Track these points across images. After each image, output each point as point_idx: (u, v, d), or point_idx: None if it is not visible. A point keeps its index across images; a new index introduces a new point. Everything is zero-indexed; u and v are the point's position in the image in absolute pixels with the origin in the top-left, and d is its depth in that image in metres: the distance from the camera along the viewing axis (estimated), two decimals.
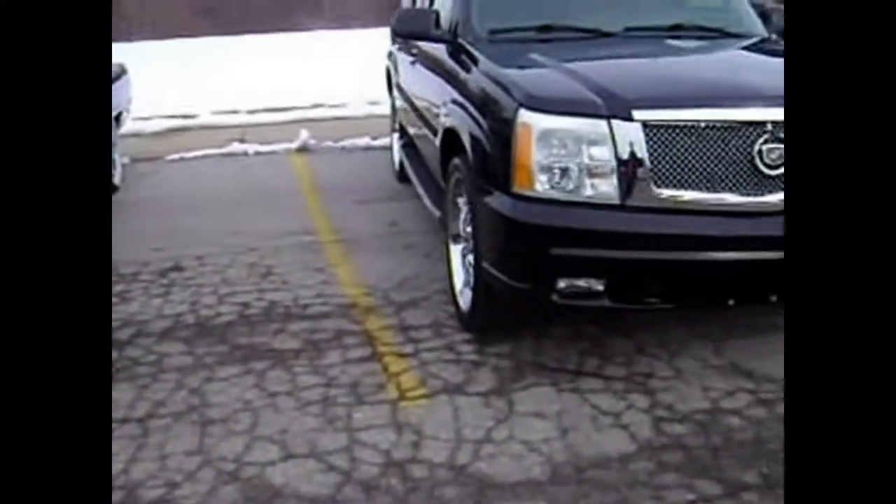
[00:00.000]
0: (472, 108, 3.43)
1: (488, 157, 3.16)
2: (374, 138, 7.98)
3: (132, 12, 45.75)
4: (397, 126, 6.34)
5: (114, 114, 6.68)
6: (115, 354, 3.55)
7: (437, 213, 4.19)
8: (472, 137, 3.32)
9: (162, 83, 12.30)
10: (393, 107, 6.59)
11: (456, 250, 3.78)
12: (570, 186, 2.89)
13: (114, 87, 6.84)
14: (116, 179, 6.56)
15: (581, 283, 2.91)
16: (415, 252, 4.77)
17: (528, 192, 2.93)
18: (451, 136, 3.67)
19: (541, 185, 2.91)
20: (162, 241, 5.19)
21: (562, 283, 2.91)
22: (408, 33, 4.23)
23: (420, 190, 4.82)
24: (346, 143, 8.08)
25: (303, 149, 8.00)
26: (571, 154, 2.86)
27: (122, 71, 7.42)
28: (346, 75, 12.23)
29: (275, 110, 10.10)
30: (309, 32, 26.10)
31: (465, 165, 3.44)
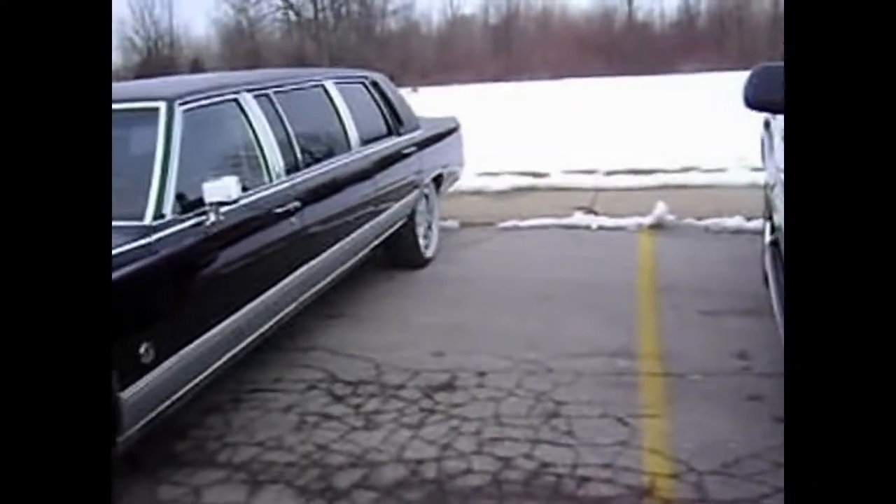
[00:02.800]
0: None
1: None
2: (749, 219, 6.77)
3: (523, 51, 48.01)
4: (768, 213, 5.14)
5: (434, 173, 6.31)
6: None
7: None
8: None
9: (526, 131, 12.10)
10: (766, 187, 5.41)
11: None
12: None
13: (440, 144, 6.49)
14: (430, 251, 6.18)
15: None
16: (762, 410, 3.60)
17: None
18: None
19: None
20: (447, 340, 4.60)
21: None
22: (766, 104, 3.12)
23: (777, 311, 3.62)
24: (712, 221, 6.97)
25: (657, 226, 7.05)
26: None
27: (455, 127, 7.08)
28: (732, 128, 10.96)
29: (636, 172, 9.28)
30: (711, 74, 24.93)
31: None
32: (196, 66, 54.25)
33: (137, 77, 52.57)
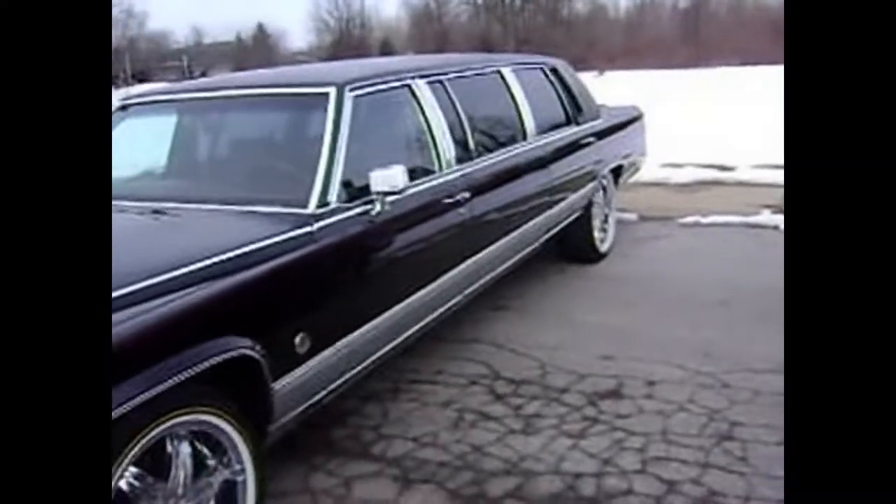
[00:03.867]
0: None
1: None
2: None
3: (714, 36, 46.23)
4: None
5: (613, 164, 6.04)
6: None
7: None
8: None
9: (714, 120, 11.55)
10: None
11: None
12: None
13: (621, 133, 6.21)
14: (606, 245, 5.93)
15: None
16: None
17: None
18: None
19: None
20: (616, 344, 4.36)
21: None
22: None
23: None
24: None
25: None
26: None
27: (637, 116, 6.77)
28: None
29: None
30: None
31: None
32: (385, 47, 55.52)
33: (330, 57, 54.37)
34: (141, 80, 47.99)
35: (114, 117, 4.12)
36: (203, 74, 50.39)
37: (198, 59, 61.91)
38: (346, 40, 57.83)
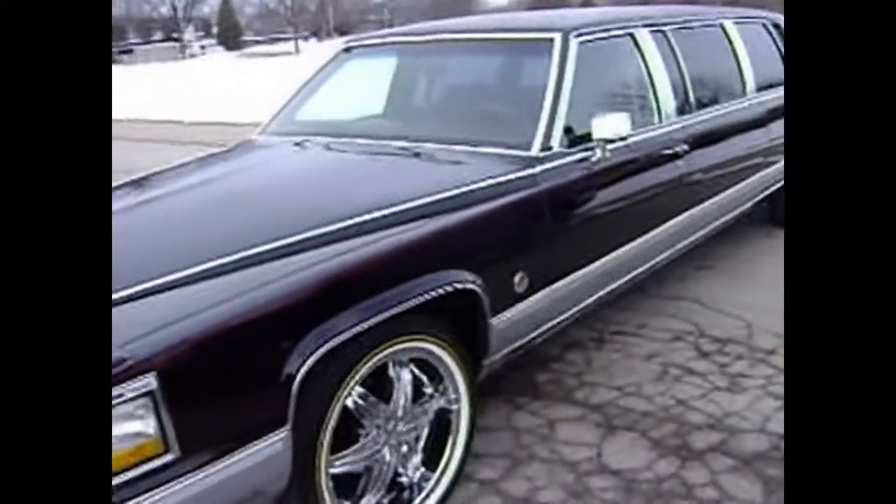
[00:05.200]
0: None
1: None
2: None
3: None
4: None
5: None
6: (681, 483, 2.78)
7: None
8: None
9: None
10: None
11: None
12: None
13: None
14: None
15: None
16: None
17: None
18: None
19: None
20: None
21: None
22: None
23: None
24: None
25: None
26: None
27: None
28: None
29: None
30: None
31: None
32: (587, 4, 54.51)
33: (531, 9, 53.90)
34: (342, 33, 49.40)
35: (338, 58, 4.28)
36: None
37: (397, 13, 63.03)
38: None
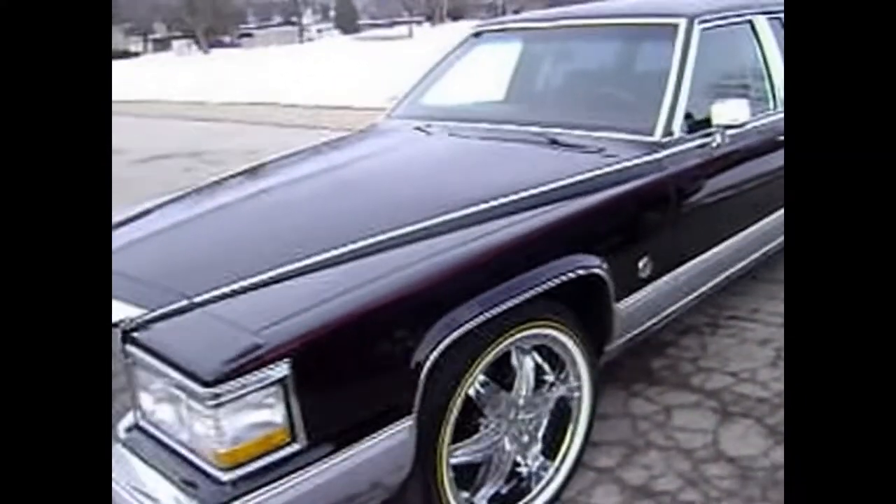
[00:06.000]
0: None
1: None
2: None
3: None
4: None
5: None
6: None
7: None
8: None
9: None
10: None
11: None
12: None
13: None
14: None
15: None
16: None
17: None
18: None
19: None
20: None
21: None
22: None
23: None
24: None
25: None
26: None
27: None
28: None
29: None
30: None
31: None
32: None
33: None
34: (455, 18, 49.37)
35: (467, 43, 4.31)
36: (516, 12, 51.03)
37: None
38: None
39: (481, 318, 2.26)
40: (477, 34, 4.35)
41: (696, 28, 3.40)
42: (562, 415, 2.73)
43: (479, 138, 3.41)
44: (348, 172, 3.20)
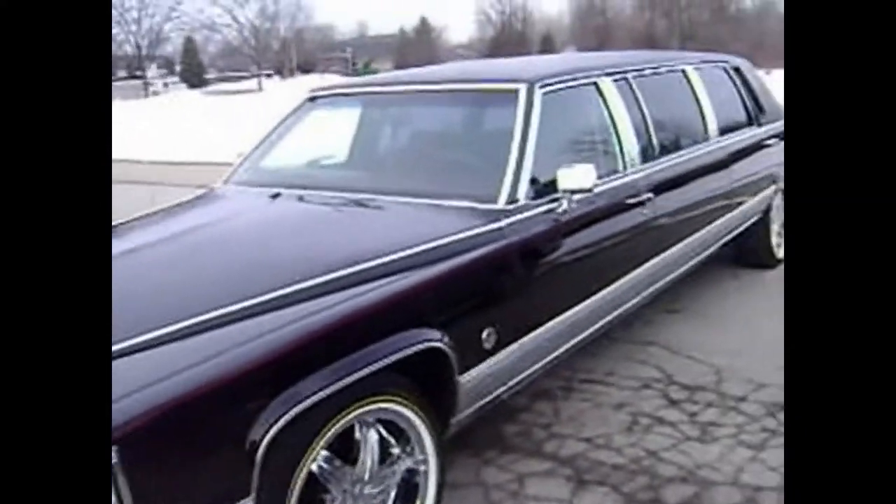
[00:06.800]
0: None
1: None
2: None
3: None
4: None
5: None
6: None
7: None
8: None
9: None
10: None
11: None
12: None
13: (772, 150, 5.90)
14: (783, 251, 5.68)
15: None
16: None
17: None
18: None
19: None
20: None
21: None
22: None
23: None
24: None
25: None
26: None
27: None
28: None
29: None
30: None
31: None
32: (547, 42, 55.23)
33: (491, 51, 54.50)
34: (305, 71, 49.54)
35: (302, 107, 4.24)
36: (366, 65, 51.58)
37: (360, 51, 63.39)
38: (507, 34, 57.92)
39: (319, 396, 2.21)
40: (312, 98, 4.29)
41: (538, 93, 3.44)
42: (409, 488, 2.67)
43: (318, 207, 3.34)
44: (179, 245, 3.09)
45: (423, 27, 68.26)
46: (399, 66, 50.53)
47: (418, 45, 61.19)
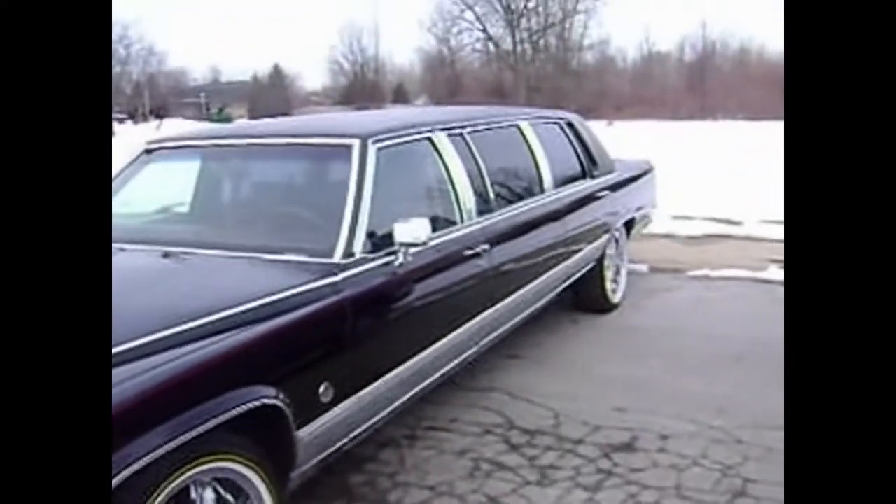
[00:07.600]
0: None
1: None
2: None
3: (719, 90, 46.50)
4: None
5: (626, 217, 6.07)
6: None
7: None
8: None
9: (721, 174, 11.59)
10: None
11: None
12: None
13: (634, 187, 6.25)
14: (618, 296, 5.94)
15: None
16: None
17: None
18: None
19: None
20: (630, 396, 4.35)
21: None
22: None
23: None
24: None
25: None
26: None
27: (648, 170, 6.82)
28: None
29: None
30: None
31: None
32: (399, 92, 55.92)
33: (344, 99, 54.68)
34: (159, 116, 48.29)
35: (138, 161, 4.15)
36: (220, 111, 50.73)
37: (215, 97, 62.36)
38: (360, 83, 58.33)
39: (148, 458, 2.15)
40: (149, 151, 4.21)
41: (372, 148, 3.51)
42: None
43: (154, 262, 3.25)
44: None
45: (277, 74, 67.89)
46: (253, 112, 49.96)
47: (272, 92, 60.74)
